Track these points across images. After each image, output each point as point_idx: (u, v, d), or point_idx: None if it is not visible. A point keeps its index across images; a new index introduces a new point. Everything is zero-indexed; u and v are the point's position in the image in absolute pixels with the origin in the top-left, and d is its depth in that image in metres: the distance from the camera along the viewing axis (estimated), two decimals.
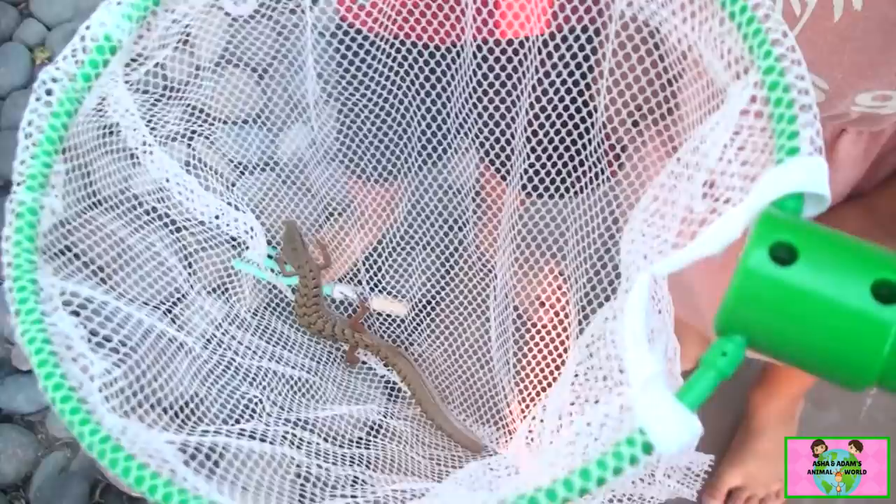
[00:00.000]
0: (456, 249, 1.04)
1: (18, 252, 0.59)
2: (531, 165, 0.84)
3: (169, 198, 0.91)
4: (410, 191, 1.02)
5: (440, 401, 1.02)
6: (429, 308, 1.09)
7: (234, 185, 1.03)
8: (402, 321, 1.09)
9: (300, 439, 0.81)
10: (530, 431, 0.70)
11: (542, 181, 0.85)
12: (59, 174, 0.66)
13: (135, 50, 0.67)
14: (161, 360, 0.73)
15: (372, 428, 0.93)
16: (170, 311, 0.89)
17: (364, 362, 1.06)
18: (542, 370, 0.98)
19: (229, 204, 0.99)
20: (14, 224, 0.60)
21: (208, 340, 0.84)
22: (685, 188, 0.62)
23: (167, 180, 0.90)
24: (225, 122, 1.01)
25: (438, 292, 1.09)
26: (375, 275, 1.11)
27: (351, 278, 1.12)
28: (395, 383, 1.05)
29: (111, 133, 0.77)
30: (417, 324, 1.08)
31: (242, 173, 1.03)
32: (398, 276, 1.11)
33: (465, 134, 0.87)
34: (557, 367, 0.98)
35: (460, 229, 1.03)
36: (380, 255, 1.09)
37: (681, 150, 0.64)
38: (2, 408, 1.22)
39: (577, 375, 0.65)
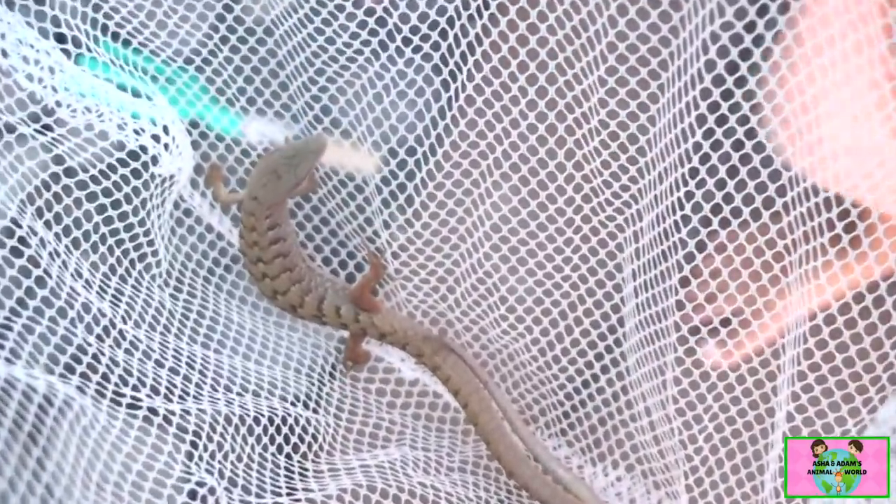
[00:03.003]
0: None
1: None
2: None
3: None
4: None
5: (521, 424, 0.57)
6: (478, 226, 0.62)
7: None
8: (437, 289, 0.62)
9: None
10: None
11: None
12: None
13: None
14: None
15: None
16: None
17: (380, 358, 0.61)
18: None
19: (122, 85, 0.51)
20: None
21: (121, 384, 0.38)
22: None
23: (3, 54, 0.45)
24: None
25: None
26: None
27: (282, 110, 0.62)
28: (436, 394, 0.60)
29: None
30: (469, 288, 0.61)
31: None
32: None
33: None
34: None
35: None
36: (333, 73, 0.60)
37: None
38: None
39: None
